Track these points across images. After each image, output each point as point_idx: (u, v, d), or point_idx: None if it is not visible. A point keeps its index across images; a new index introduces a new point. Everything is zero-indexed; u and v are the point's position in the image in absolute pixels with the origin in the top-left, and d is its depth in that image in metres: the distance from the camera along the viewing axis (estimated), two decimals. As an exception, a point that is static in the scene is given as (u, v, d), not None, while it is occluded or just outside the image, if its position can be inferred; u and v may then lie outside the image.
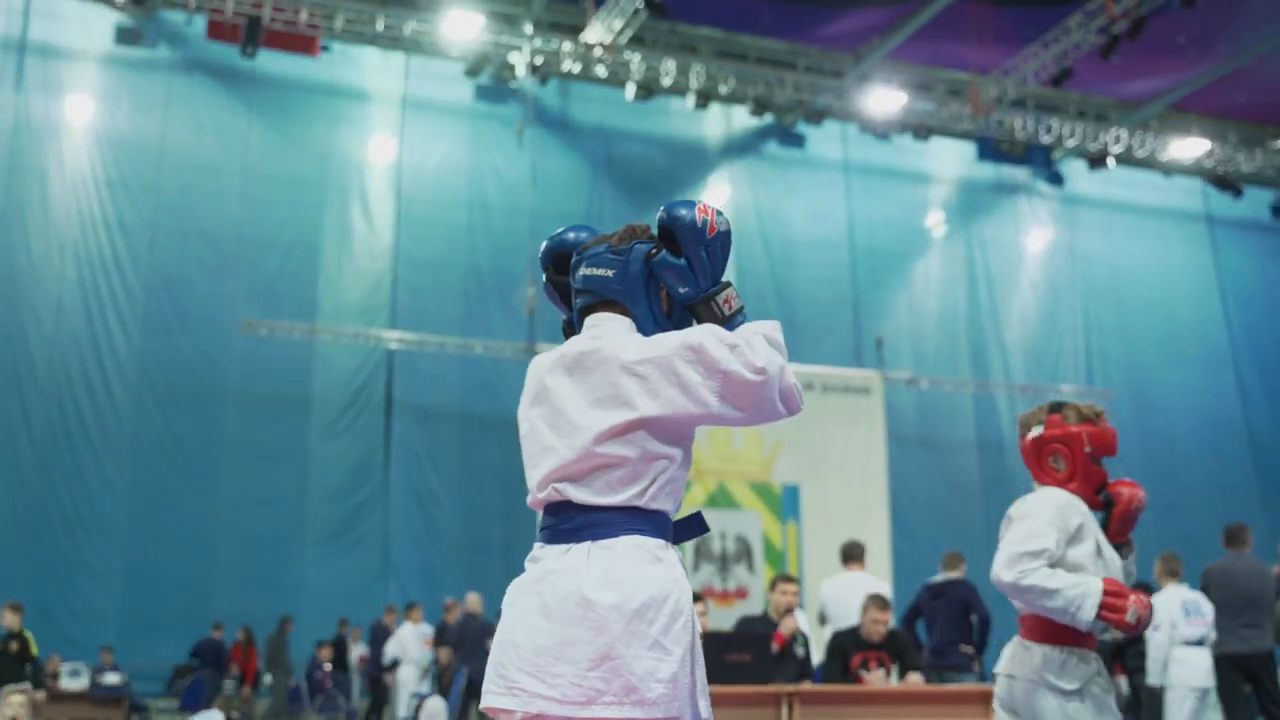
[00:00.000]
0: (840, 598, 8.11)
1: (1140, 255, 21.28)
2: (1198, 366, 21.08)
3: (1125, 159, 19.70)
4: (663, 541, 2.25)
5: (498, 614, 8.81)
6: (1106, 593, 3.49)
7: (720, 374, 2.26)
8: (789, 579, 7.31)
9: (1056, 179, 20.93)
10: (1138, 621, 3.49)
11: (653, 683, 2.11)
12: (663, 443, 2.27)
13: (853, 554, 8.52)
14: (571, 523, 2.24)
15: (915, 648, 8.50)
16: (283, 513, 15.70)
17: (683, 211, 2.50)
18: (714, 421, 2.30)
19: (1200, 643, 8.35)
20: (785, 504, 17.03)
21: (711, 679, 5.96)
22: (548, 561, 2.25)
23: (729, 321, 2.44)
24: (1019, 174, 20.62)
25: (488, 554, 16.08)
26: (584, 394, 2.29)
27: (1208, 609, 8.29)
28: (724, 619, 14.95)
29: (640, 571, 2.16)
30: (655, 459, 2.25)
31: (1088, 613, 3.48)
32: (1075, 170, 20.69)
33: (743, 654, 6.26)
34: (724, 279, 2.52)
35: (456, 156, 17.71)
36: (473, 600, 11.45)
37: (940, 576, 8.71)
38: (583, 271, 2.45)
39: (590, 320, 2.42)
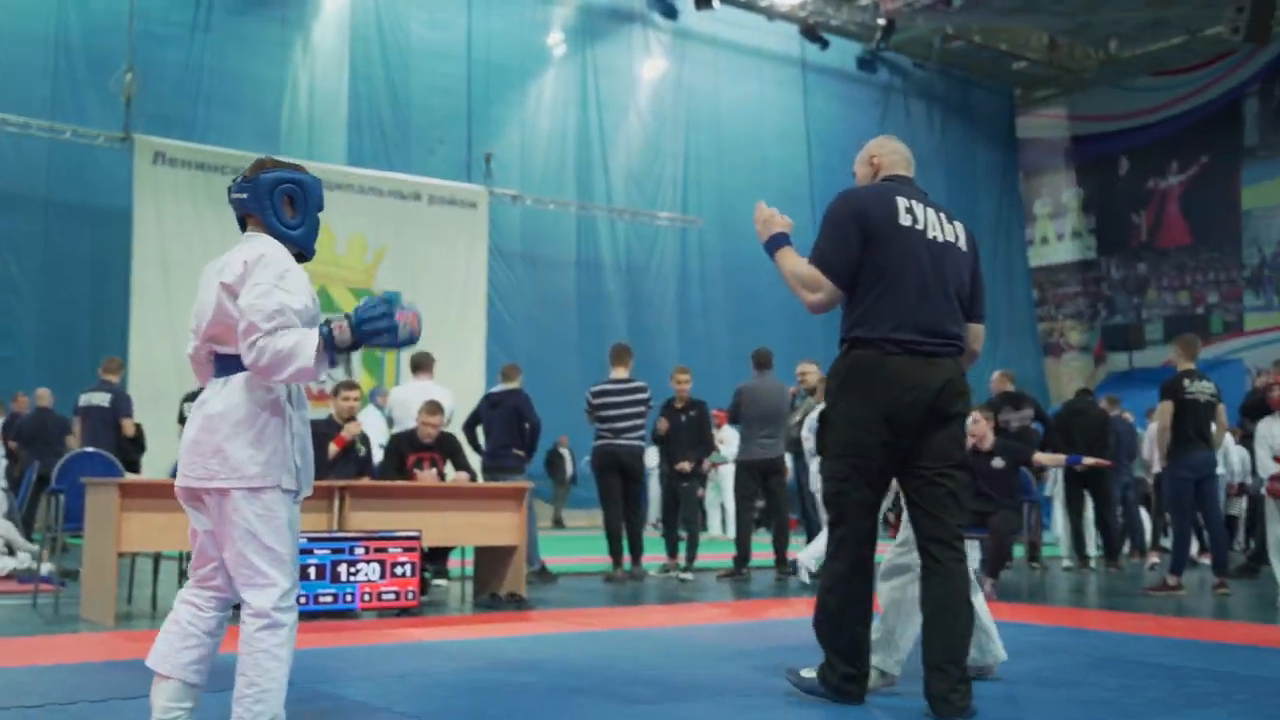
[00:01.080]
0: (406, 402, 8.74)
1: (740, 93, 22.65)
2: (781, 201, 22.37)
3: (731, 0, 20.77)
4: None
5: (75, 409, 8.83)
6: None
7: (250, 338, 3.07)
8: (351, 385, 7.82)
9: (671, 12, 21.74)
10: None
11: (250, 465, 3.08)
12: None
13: (421, 364, 9.13)
14: (218, 366, 3.23)
15: (475, 451, 9.31)
16: None
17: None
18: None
19: None
20: (387, 311, 17.42)
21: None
22: (206, 392, 3.25)
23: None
24: (636, 3, 21.30)
25: (72, 347, 15.60)
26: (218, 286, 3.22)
27: None
28: (318, 416, 15.35)
29: (246, 395, 3.14)
30: None
31: None
32: (688, 6, 21.58)
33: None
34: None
35: (46, -84, 16.34)
36: (43, 395, 11.24)
37: (500, 387, 9.48)
38: (231, 196, 3.36)
39: (246, 235, 3.34)
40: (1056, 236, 27.08)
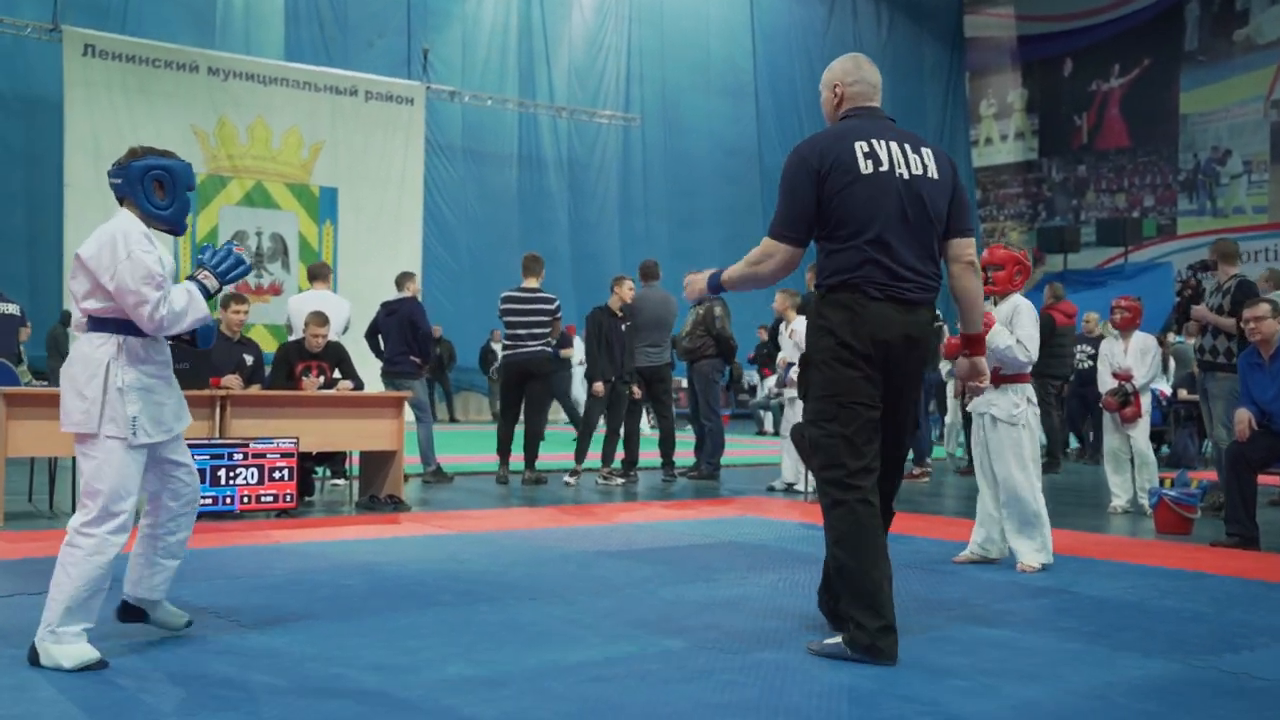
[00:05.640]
0: (303, 311, 9.10)
1: (684, -15, 22.68)
2: (723, 97, 23.06)
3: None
4: (107, 335, 3.68)
5: (22, 310, 9.08)
6: None
7: (143, 307, 3.63)
8: (241, 299, 8.16)
9: (616, -97, 21.65)
10: None
11: (75, 413, 3.65)
12: (102, 289, 3.65)
13: (317, 274, 9.48)
14: (82, 325, 3.72)
15: (379, 357, 9.71)
16: None
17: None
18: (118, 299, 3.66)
19: None
20: (323, 206, 17.70)
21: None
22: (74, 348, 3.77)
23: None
24: (580, -106, 21.18)
25: (9, 243, 15.88)
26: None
27: None
28: (259, 314, 15.75)
29: (85, 353, 3.66)
30: (97, 293, 3.66)
31: None
32: (632, -103, 21.47)
33: (181, 363, 7.12)
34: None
35: None
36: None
37: (395, 296, 9.83)
38: (110, 182, 3.84)
39: (118, 213, 3.79)
40: (1000, 137, 27.33)
